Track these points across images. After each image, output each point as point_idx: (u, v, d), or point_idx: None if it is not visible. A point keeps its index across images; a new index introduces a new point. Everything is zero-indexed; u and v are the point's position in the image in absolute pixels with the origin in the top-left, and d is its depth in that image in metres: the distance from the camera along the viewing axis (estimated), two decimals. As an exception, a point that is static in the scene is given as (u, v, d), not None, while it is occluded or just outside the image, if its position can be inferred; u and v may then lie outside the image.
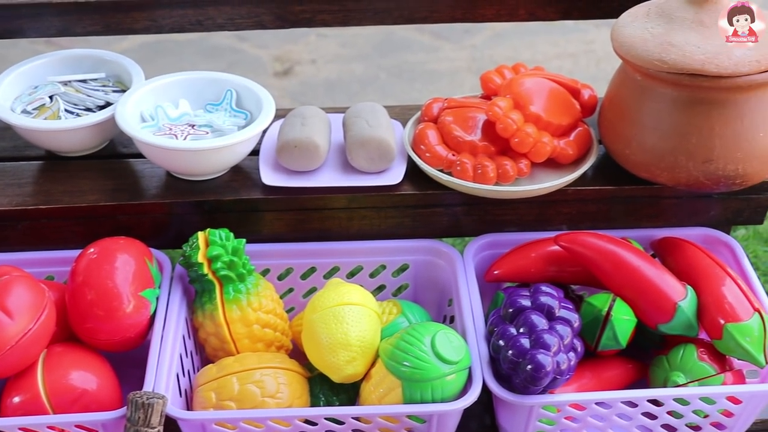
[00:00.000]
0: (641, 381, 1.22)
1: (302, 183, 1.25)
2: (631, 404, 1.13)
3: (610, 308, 1.15)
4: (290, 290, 1.32)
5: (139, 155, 1.30)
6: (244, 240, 1.20)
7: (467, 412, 1.10)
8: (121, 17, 1.35)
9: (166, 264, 1.24)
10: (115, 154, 1.34)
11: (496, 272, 1.25)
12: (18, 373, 1.10)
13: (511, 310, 1.12)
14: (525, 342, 1.07)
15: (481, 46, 2.48)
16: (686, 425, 1.16)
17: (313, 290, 1.31)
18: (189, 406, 1.16)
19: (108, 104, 1.32)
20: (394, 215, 1.28)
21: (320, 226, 1.29)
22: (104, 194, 1.26)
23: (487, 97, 1.34)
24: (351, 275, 1.31)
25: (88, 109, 1.31)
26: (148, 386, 1.09)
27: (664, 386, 1.16)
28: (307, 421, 1.09)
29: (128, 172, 1.30)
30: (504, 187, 1.23)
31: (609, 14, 1.36)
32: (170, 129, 1.26)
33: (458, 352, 1.08)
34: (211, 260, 1.17)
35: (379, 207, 1.27)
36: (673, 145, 1.19)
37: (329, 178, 1.27)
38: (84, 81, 1.35)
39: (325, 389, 1.16)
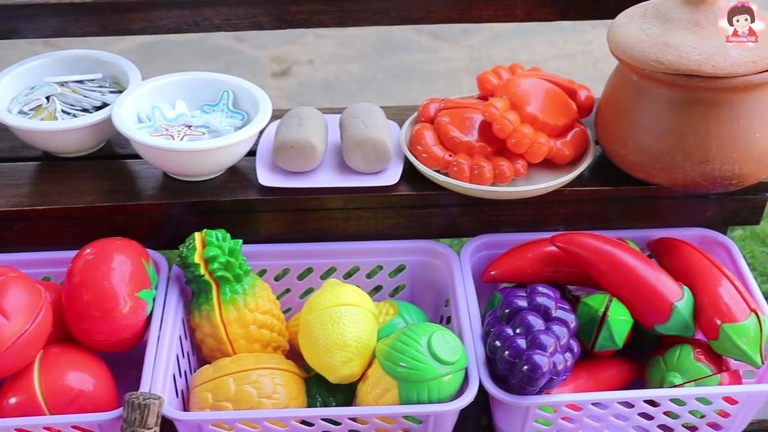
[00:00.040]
0: (638, 381, 1.22)
1: (299, 184, 1.25)
2: (628, 405, 1.13)
3: (607, 309, 1.15)
4: (287, 291, 1.32)
5: (136, 156, 1.30)
6: (241, 241, 1.20)
7: (464, 413, 1.10)
8: (117, 18, 1.35)
9: (163, 265, 1.24)
10: (111, 154, 1.34)
11: (492, 273, 1.25)
12: (14, 373, 1.10)
13: (507, 310, 1.12)
14: (521, 342, 1.07)
15: (479, 47, 2.48)
16: (683, 425, 1.16)
17: (309, 291, 1.31)
18: (186, 407, 1.16)
19: (105, 105, 1.32)
20: (391, 216, 1.28)
21: (317, 227, 1.29)
22: (101, 195, 1.26)
23: (483, 97, 1.34)
24: (348, 276, 1.31)
25: (85, 110, 1.31)
26: (144, 387, 1.09)
27: (661, 387, 1.16)
28: (303, 422, 1.09)
29: (125, 173, 1.30)
30: (501, 188, 1.23)
31: (605, 15, 1.36)
32: (167, 130, 1.26)
33: (455, 352, 1.08)
34: (207, 261, 1.17)
35: (375, 207, 1.27)
36: (669, 146, 1.19)
37: (326, 178, 1.27)
38: (81, 82, 1.35)
39: (322, 390, 1.17)
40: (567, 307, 1.12)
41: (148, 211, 1.26)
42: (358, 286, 1.20)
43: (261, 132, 1.31)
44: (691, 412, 1.14)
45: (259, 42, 2.46)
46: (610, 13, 1.31)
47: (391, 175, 1.26)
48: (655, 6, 1.22)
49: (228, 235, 1.19)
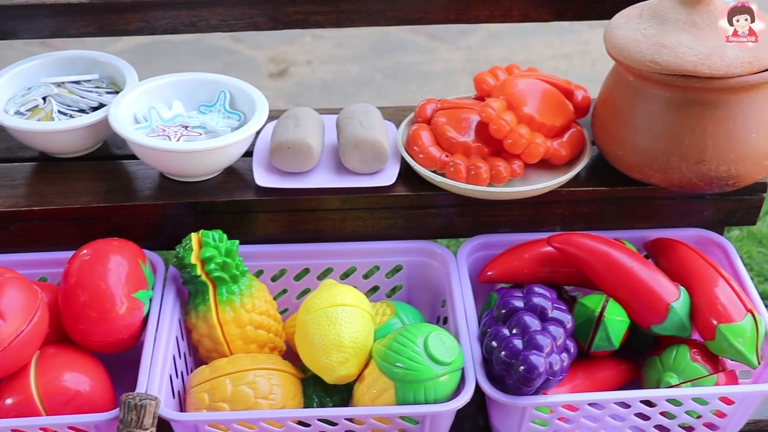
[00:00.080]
0: (634, 382, 1.22)
1: (295, 184, 1.25)
2: (624, 405, 1.13)
3: (603, 309, 1.15)
4: (284, 291, 1.32)
5: (133, 156, 1.30)
6: (238, 241, 1.20)
7: (460, 413, 1.11)
8: (114, 18, 1.35)
9: (160, 265, 1.24)
10: (108, 155, 1.34)
11: (489, 273, 1.25)
12: (11, 374, 1.10)
13: (504, 311, 1.12)
14: (518, 343, 1.07)
15: (476, 47, 2.48)
16: (679, 426, 1.16)
17: (306, 291, 1.31)
18: (182, 408, 1.16)
19: (101, 105, 1.32)
20: (388, 216, 1.28)
21: (314, 228, 1.29)
22: (97, 195, 1.26)
23: (480, 98, 1.34)
24: (345, 276, 1.31)
25: (82, 111, 1.31)
26: (141, 387, 1.09)
27: (657, 387, 1.16)
28: (300, 423, 1.09)
29: (121, 174, 1.30)
30: (497, 188, 1.23)
31: (602, 15, 1.36)
32: (163, 130, 1.26)
33: (451, 353, 1.08)
34: (204, 261, 1.17)
35: (372, 208, 1.27)
36: (665, 146, 1.19)
37: (323, 179, 1.27)
38: (77, 82, 1.34)
39: (319, 390, 1.17)
40: (563, 308, 1.12)
41: (145, 212, 1.26)
42: (355, 287, 1.20)
43: (258, 132, 1.31)
44: (687, 413, 1.14)
45: (256, 43, 2.46)
46: (607, 13, 1.31)
47: (388, 176, 1.26)
48: (651, 7, 1.22)
49: (225, 236, 1.19)
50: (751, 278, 1.65)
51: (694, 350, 1.17)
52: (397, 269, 1.31)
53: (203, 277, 1.17)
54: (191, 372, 1.20)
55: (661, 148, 1.19)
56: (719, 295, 1.16)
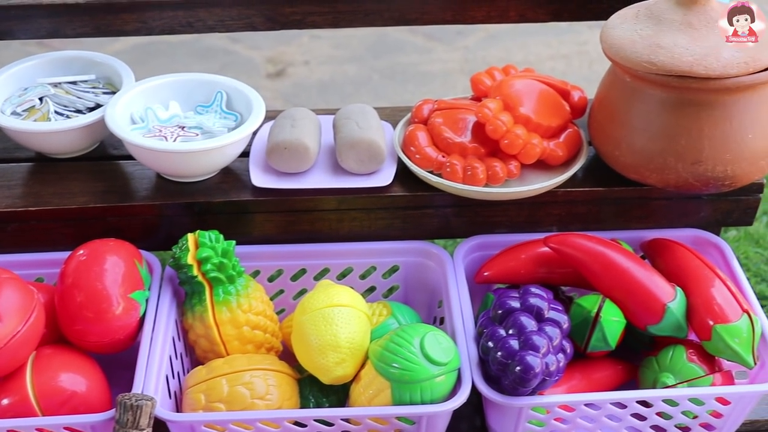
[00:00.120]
0: (631, 382, 1.22)
1: (292, 185, 1.25)
2: (621, 405, 1.13)
3: (600, 309, 1.15)
4: (280, 292, 1.32)
5: (129, 157, 1.30)
6: (234, 242, 1.20)
7: (457, 414, 1.11)
8: (111, 19, 1.35)
9: (156, 266, 1.24)
10: (105, 155, 1.34)
11: (486, 274, 1.25)
12: (7, 375, 1.10)
13: (500, 311, 1.12)
14: (514, 343, 1.07)
15: (474, 48, 2.48)
16: (675, 426, 1.16)
17: (303, 292, 1.31)
18: (178, 408, 1.16)
19: (98, 106, 1.31)
20: (384, 217, 1.28)
21: (310, 228, 1.29)
22: (94, 196, 1.26)
23: (477, 98, 1.34)
24: (341, 277, 1.31)
25: (78, 111, 1.31)
26: (137, 388, 1.09)
27: (654, 387, 1.16)
28: (296, 423, 1.09)
29: (118, 174, 1.30)
30: (494, 189, 1.23)
31: (599, 16, 1.36)
32: (160, 131, 1.26)
33: (447, 353, 1.08)
34: (200, 262, 1.17)
35: (369, 208, 1.27)
36: (662, 147, 1.19)
37: (319, 179, 1.27)
38: (74, 83, 1.34)
39: (315, 391, 1.17)
40: (560, 308, 1.13)
41: (141, 212, 1.26)
42: (352, 287, 1.20)
43: (254, 133, 1.31)
44: (683, 413, 1.14)
45: (254, 43, 2.46)
46: (604, 14, 1.31)
47: (385, 176, 1.26)
48: (647, 7, 1.22)
49: (221, 236, 1.19)
50: (748, 279, 1.65)
51: (691, 351, 1.17)
52: (394, 270, 1.32)
53: (200, 278, 1.17)
54: (188, 372, 1.20)
55: (658, 149, 1.20)
56: (715, 295, 1.16)
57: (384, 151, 1.25)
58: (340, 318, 1.12)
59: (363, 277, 1.31)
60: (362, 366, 1.13)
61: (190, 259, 1.16)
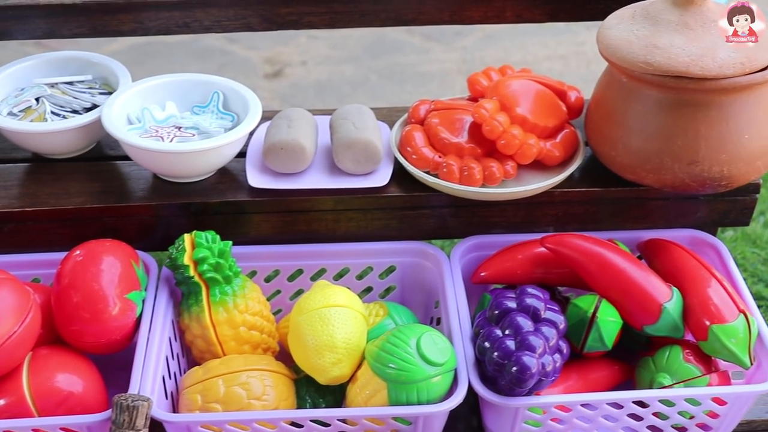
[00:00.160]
0: (627, 382, 1.22)
1: (289, 185, 1.25)
2: (617, 406, 1.13)
3: (596, 310, 1.15)
4: (277, 292, 1.32)
5: (126, 157, 1.30)
6: (231, 242, 1.20)
7: (453, 414, 1.11)
8: (107, 19, 1.35)
9: (153, 266, 1.23)
10: (101, 156, 1.34)
11: (482, 274, 1.25)
12: (3, 375, 1.10)
13: (496, 311, 1.12)
14: (510, 344, 1.07)
15: (471, 48, 2.48)
16: (672, 426, 1.16)
17: (300, 292, 1.31)
18: (175, 409, 1.16)
19: (95, 106, 1.31)
20: (381, 217, 1.28)
21: (307, 228, 1.29)
22: (91, 196, 1.26)
23: (474, 99, 1.34)
24: (338, 277, 1.31)
25: (75, 112, 1.31)
26: (133, 389, 1.09)
27: (650, 388, 1.16)
28: (293, 423, 1.09)
29: (115, 175, 1.30)
30: (490, 189, 1.23)
31: (595, 16, 1.36)
32: (156, 131, 1.26)
33: (444, 353, 1.08)
34: (197, 262, 1.17)
35: (365, 209, 1.27)
36: (658, 147, 1.19)
37: (316, 180, 1.27)
38: (70, 83, 1.34)
39: (312, 391, 1.17)
40: (556, 308, 1.13)
41: (138, 213, 1.25)
42: (349, 288, 1.20)
43: (251, 133, 1.31)
44: (680, 413, 1.14)
45: (251, 43, 2.46)
46: (600, 14, 1.31)
47: (381, 177, 1.26)
48: (644, 8, 1.22)
49: (218, 237, 1.19)
50: (745, 279, 1.65)
51: (687, 351, 1.17)
52: (391, 270, 1.32)
53: (196, 278, 1.17)
54: (184, 373, 1.20)
55: (654, 149, 1.20)
56: (712, 295, 1.16)
57: (380, 151, 1.25)
58: (337, 318, 1.12)
59: (360, 277, 1.31)
60: (359, 366, 1.13)
61: (186, 260, 1.16)
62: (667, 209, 1.30)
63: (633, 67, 1.16)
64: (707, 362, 1.17)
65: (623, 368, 1.22)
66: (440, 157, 1.25)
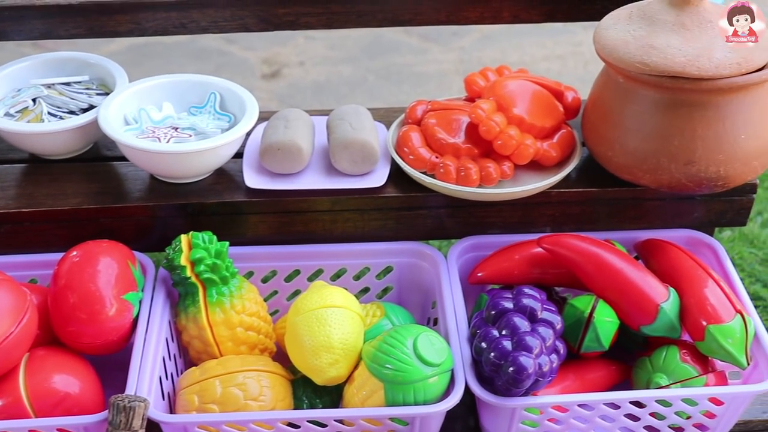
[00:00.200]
0: (624, 383, 1.22)
1: (286, 186, 1.25)
2: (614, 406, 1.13)
3: (593, 310, 1.15)
4: (274, 293, 1.32)
5: (123, 158, 1.30)
6: (228, 243, 1.20)
7: (450, 414, 1.11)
8: (104, 20, 1.34)
9: (150, 267, 1.23)
10: (98, 157, 1.34)
11: (479, 274, 1.25)
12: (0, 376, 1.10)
13: (493, 312, 1.12)
14: (507, 344, 1.07)
15: (469, 49, 2.48)
16: (668, 427, 1.16)
17: (297, 293, 1.31)
18: (172, 409, 1.16)
19: (91, 107, 1.31)
20: (378, 217, 1.28)
21: (304, 229, 1.29)
22: (87, 197, 1.26)
23: (470, 99, 1.34)
24: (335, 278, 1.31)
25: (72, 112, 1.31)
26: (130, 389, 1.09)
27: (647, 388, 1.16)
28: (289, 424, 1.09)
29: (112, 175, 1.30)
30: (487, 190, 1.23)
31: (592, 17, 1.36)
32: (153, 132, 1.26)
33: (440, 354, 1.08)
34: (194, 263, 1.17)
35: (362, 209, 1.27)
36: (655, 147, 1.19)
37: (313, 180, 1.27)
38: (67, 84, 1.34)
39: (308, 392, 1.16)
40: (553, 309, 1.13)
41: (135, 214, 1.25)
42: (346, 288, 1.20)
43: (248, 134, 1.31)
44: (677, 413, 1.14)
45: (249, 44, 2.46)
46: (597, 14, 1.31)
47: (378, 177, 1.26)
48: (640, 8, 1.22)
49: (214, 237, 1.19)
50: (742, 279, 1.65)
51: (684, 351, 1.17)
52: (388, 270, 1.32)
53: (193, 279, 1.17)
54: (181, 374, 1.20)
55: (651, 149, 1.20)
56: (709, 296, 1.16)
57: (377, 151, 1.25)
58: (334, 319, 1.12)
59: (357, 278, 1.31)
60: (356, 367, 1.13)
61: (183, 261, 1.16)
62: (663, 209, 1.30)
63: (629, 68, 1.17)
64: (704, 362, 1.17)
65: (620, 368, 1.22)
66: (437, 157, 1.25)
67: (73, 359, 1.15)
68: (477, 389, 1.09)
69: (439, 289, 1.23)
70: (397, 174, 1.28)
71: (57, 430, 1.07)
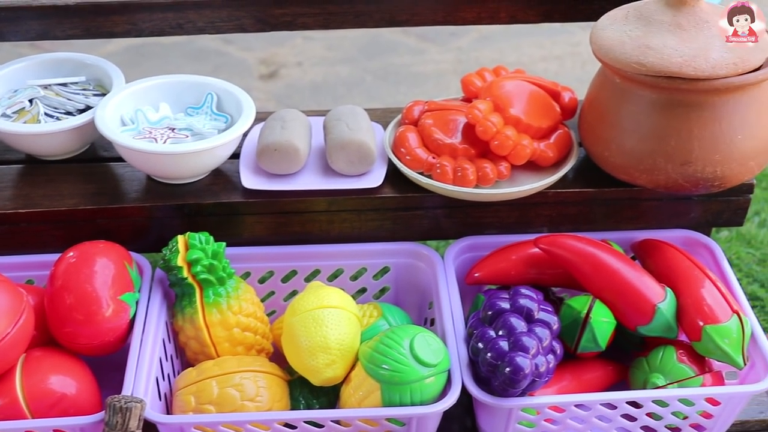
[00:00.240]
0: (621, 383, 1.22)
1: (282, 186, 1.25)
2: (611, 406, 1.13)
3: (590, 310, 1.15)
4: (271, 293, 1.32)
5: (119, 159, 1.30)
6: (224, 243, 1.20)
7: (447, 415, 1.11)
8: (101, 21, 1.34)
9: (146, 268, 1.23)
10: (95, 157, 1.34)
11: (476, 275, 1.25)
12: (-4, 377, 1.10)
13: (490, 312, 1.12)
14: (504, 344, 1.07)
15: (467, 49, 2.48)
16: (665, 427, 1.16)
17: (294, 293, 1.31)
18: (168, 410, 1.16)
19: (88, 108, 1.31)
20: (375, 218, 1.28)
21: (301, 229, 1.29)
22: (84, 198, 1.26)
23: (467, 99, 1.34)
24: (332, 278, 1.31)
25: (69, 113, 1.31)
26: (126, 390, 1.09)
27: (644, 388, 1.16)
28: (286, 425, 1.09)
29: (108, 176, 1.30)
30: (484, 190, 1.23)
31: (589, 17, 1.36)
32: (150, 132, 1.26)
33: (437, 354, 1.08)
34: (190, 264, 1.17)
35: (359, 210, 1.27)
36: (651, 148, 1.19)
37: (310, 181, 1.27)
38: (64, 84, 1.34)
39: (305, 392, 1.16)
40: (550, 309, 1.13)
41: (132, 214, 1.25)
42: (343, 289, 1.20)
43: (245, 135, 1.31)
44: (673, 414, 1.14)
45: (246, 44, 2.46)
46: (594, 15, 1.31)
47: (375, 178, 1.26)
48: (637, 8, 1.22)
49: (211, 238, 1.19)
50: (740, 279, 1.65)
51: (681, 351, 1.17)
52: (385, 271, 1.32)
53: (190, 280, 1.17)
54: (178, 374, 1.20)
55: (648, 150, 1.20)
56: (705, 296, 1.16)
57: (374, 152, 1.25)
58: (330, 320, 1.12)
59: (354, 278, 1.31)
60: (352, 367, 1.13)
61: (180, 261, 1.16)
62: (660, 210, 1.30)
63: (626, 68, 1.17)
64: (701, 363, 1.17)
65: (617, 369, 1.22)
66: (434, 157, 1.25)
67: (69, 360, 1.15)
68: (474, 390, 1.09)
69: (436, 290, 1.23)
70: (394, 174, 1.28)
71: (53, 431, 1.07)
